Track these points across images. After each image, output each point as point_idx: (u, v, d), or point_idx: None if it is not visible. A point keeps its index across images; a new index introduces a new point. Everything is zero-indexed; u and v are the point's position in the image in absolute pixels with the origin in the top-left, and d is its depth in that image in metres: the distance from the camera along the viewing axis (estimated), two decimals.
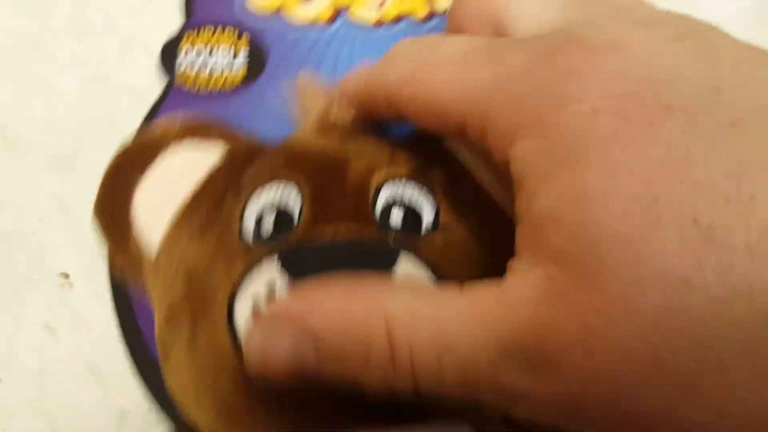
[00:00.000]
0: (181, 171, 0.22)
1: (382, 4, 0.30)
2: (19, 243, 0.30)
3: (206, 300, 0.19)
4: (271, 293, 0.18)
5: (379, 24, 0.29)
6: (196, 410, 0.20)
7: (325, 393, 0.17)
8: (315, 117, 0.23)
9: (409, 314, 0.16)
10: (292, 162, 0.21)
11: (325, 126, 0.23)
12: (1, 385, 0.29)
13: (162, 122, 0.23)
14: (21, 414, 0.28)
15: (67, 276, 0.29)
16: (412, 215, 0.20)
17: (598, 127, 0.15)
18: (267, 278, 0.18)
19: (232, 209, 0.20)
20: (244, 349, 0.17)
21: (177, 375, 0.20)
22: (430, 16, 0.30)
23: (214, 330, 0.19)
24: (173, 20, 0.31)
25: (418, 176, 0.21)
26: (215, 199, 0.21)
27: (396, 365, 0.16)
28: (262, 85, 0.29)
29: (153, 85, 0.31)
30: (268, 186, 0.20)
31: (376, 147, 0.22)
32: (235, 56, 0.29)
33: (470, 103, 0.17)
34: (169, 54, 0.30)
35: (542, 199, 0.15)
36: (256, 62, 0.29)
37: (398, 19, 0.29)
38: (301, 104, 0.24)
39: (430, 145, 0.22)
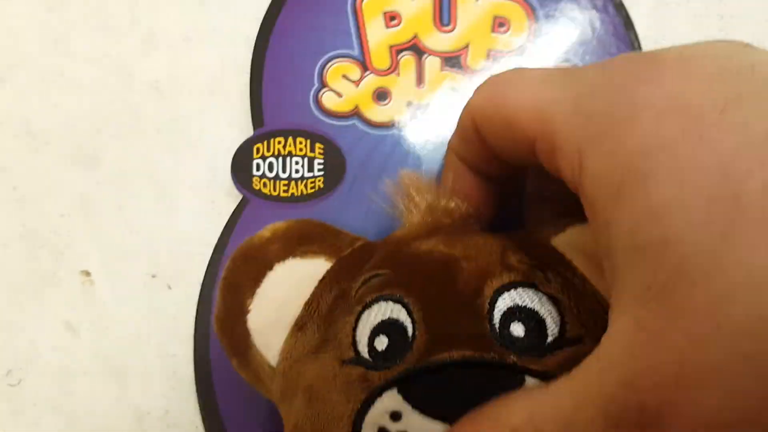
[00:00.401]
0: (291, 282, 0.22)
1: None
2: (42, 240, 0.29)
3: (327, 426, 0.19)
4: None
5: None
6: None
7: None
8: (420, 213, 0.23)
9: (530, 421, 0.15)
10: (400, 274, 0.20)
11: (431, 223, 0.22)
12: (21, 384, 0.28)
13: (265, 230, 0.23)
14: (41, 413, 0.28)
15: (88, 274, 0.29)
16: (534, 327, 0.19)
17: (664, 130, 0.14)
18: (389, 409, 0.18)
19: (343, 328, 0.20)
20: None
21: None
22: None
23: None
24: (194, 15, 0.31)
25: (536, 282, 0.19)
26: (325, 317, 0.21)
27: None
28: (343, 192, 0.28)
29: (175, 80, 0.30)
30: (377, 304, 0.20)
31: (486, 247, 0.21)
32: (311, 165, 0.28)
33: (542, 120, 0.17)
34: (241, 163, 0.29)
35: (618, 223, 0.14)
36: (335, 170, 0.28)
37: None
38: (405, 202, 0.23)
39: (541, 247, 0.21)
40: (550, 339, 0.18)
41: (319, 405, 0.19)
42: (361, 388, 0.18)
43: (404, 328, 0.19)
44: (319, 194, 0.28)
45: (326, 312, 0.21)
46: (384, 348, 0.19)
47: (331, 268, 0.22)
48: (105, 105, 0.30)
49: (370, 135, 0.29)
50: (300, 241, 0.23)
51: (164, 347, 0.28)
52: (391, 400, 0.18)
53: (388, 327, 0.19)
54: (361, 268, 0.21)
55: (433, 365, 0.18)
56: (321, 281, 0.22)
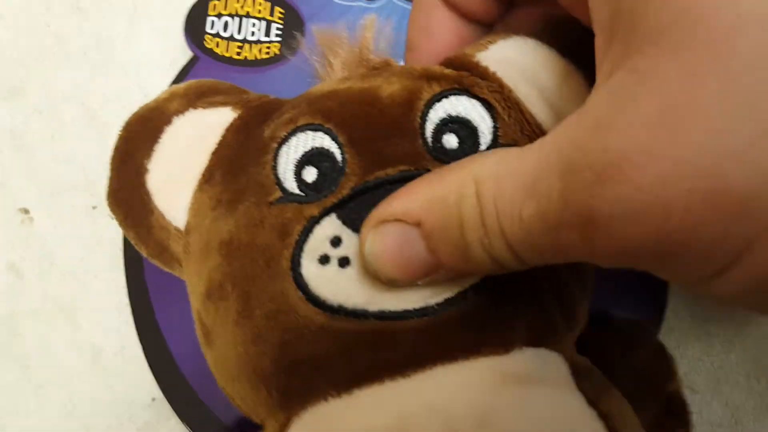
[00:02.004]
0: (194, 133, 0.20)
1: None
2: None
3: (256, 272, 0.17)
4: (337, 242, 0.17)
5: None
6: (250, 383, 0.18)
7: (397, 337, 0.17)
8: (338, 66, 0.21)
9: (495, 173, 0.15)
10: (316, 105, 0.19)
11: (347, 76, 0.21)
12: None
13: (163, 92, 0.21)
14: None
15: (27, 211, 0.27)
16: (467, 136, 0.18)
17: None
18: (330, 236, 0.17)
19: (260, 172, 0.18)
20: (366, 254, 0.16)
21: (225, 354, 0.18)
22: None
23: (278, 296, 0.17)
24: None
25: (467, 86, 0.19)
26: (235, 164, 0.19)
27: (486, 227, 0.15)
28: (299, 62, 0.26)
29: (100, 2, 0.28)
30: (294, 137, 0.18)
31: (406, 70, 0.19)
32: (268, 29, 0.27)
33: None
34: (196, 19, 0.27)
35: None
36: (291, 38, 0.27)
37: None
38: (319, 60, 0.22)
39: (465, 63, 0.20)
40: (483, 147, 0.18)
41: (243, 255, 0.18)
42: (298, 223, 0.17)
43: (332, 155, 0.18)
44: (272, 61, 0.27)
45: (235, 158, 0.19)
46: (315, 179, 0.18)
47: (240, 114, 0.20)
48: (26, 32, 0.28)
49: (335, 5, 0.27)
50: (201, 95, 0.20)
51: (113, 281, 0.27)
52: (330, 225, 0.17)
53: (314, 157, 0.18)
54: (271, 114, 0.19)
55: (369, 185, 0.17)
56: (228, 128, 0.20)
